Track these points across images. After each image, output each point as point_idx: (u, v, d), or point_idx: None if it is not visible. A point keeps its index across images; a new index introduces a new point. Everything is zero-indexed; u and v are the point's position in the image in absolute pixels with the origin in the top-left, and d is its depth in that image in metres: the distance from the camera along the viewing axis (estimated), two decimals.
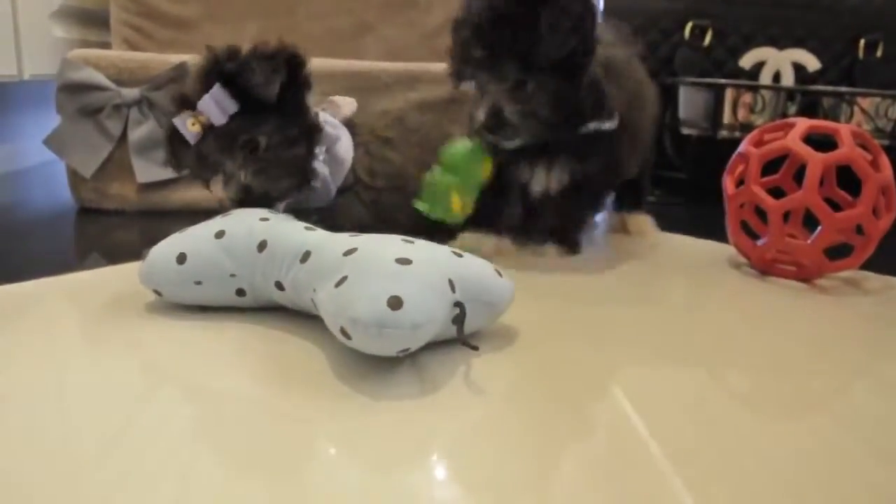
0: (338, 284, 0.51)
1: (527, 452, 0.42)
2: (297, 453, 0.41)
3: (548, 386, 0.52)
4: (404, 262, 0.52)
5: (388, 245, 0.55)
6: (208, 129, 0.70)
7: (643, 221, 1.02)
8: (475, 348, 0.54)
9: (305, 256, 0.57)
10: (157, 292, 0.62)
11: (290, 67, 0.74)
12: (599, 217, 1.04)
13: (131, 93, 1.04)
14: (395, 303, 0.48)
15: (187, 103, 0.70)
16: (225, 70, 0.70)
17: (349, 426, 0.44)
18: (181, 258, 0.60)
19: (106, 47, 1.38)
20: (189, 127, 0.67)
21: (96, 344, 0.57)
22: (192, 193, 1.06)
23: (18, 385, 0.49)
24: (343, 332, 0.50)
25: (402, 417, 0.46)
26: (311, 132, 0.78)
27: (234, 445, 0.41)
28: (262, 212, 0.65)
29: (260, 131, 0.72)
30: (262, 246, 0.60)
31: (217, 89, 0.69)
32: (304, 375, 0.51)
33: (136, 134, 1.04)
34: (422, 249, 0.55)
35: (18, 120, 1.44)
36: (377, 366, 0.53)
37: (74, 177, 1.07)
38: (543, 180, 0.81)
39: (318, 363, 0.53)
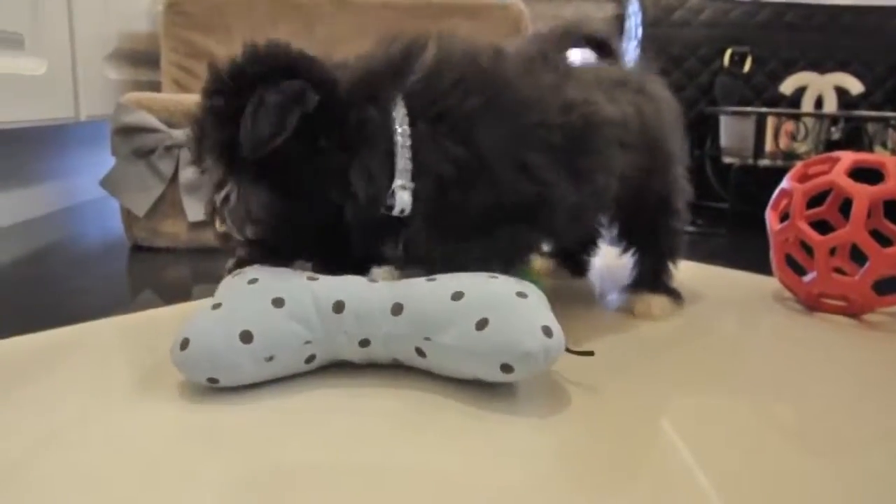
0: (480, 327, 0.54)
1: (577, 481, 0.43)
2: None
3: (595, 418, 0.53)
4: (522, 295, 0.57)
5: (493, 283, 0.58)
6: None
7: (651, 303, 0.79)
8: (591, 353, 0.60)
9: (397, 309, 0.57)
10: (211, 380, 0.55)
11: None
12: None
13: (182, 134, 1.07)
14: (548, 332, 0.54)
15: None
16: None
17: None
18: (246, 337, 0.55)
19: (156, 86, 1.44)
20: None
21: (147, 387, 0.57)
22: None
23: (67, 425, 0.50)
24: (505, 367, 0.53)
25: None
26: None
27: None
28: (286, 271, 0.62)
29: None
30: (338, 307, 0.58)
31: None
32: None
33: (187, 174, 1.08)
34: (517, 281, 0.59)
35: (74, 158, 1.50)
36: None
37: (128, 216, 1.10)
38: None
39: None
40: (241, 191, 0.61)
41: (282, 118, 0.56)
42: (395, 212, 0.62)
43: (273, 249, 0.63)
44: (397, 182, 0.61)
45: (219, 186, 0.63)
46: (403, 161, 0.60)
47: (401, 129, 0.60)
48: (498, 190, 0.62)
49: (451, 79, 0.62)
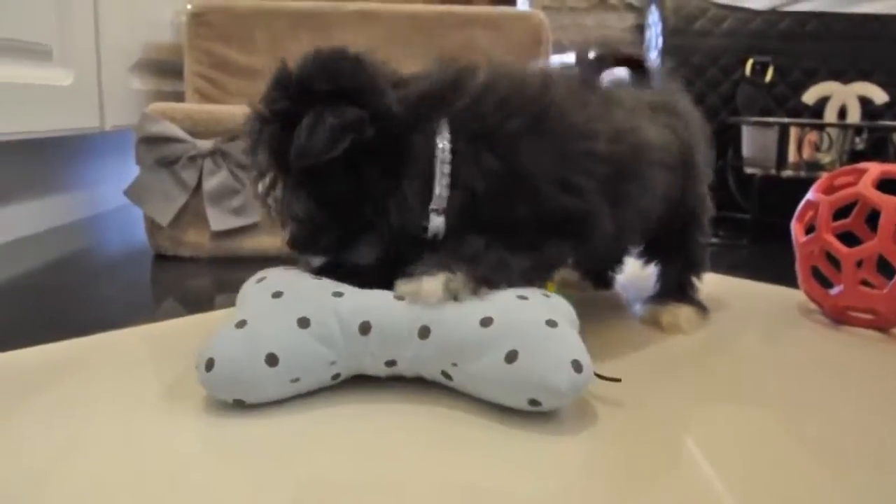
0: (510, 359, 0.54)
1: (602, 495, 0.43)
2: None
3: (620, 431, 0.52)
4: (552, 324, 0.56)
5: (523, 307, 0.57)
6: None
7: (679, 314, 0.79)
8: (618, 380, 0.58)
9: (424, 332, 0.57)
10: (238, 401, 0.55)
11: None
12: None
13: (205, 144, 1.08)
14: (578, 366, 0.53)
15: None
16: None
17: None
18: (271, 360, 0.54)
19: (180, 97, 1.45)
20: None
21: (170, 397, 0.58)
22: (264, 240, 1.10)
23: (89, 435, 0.50)
24: (532, 402, 0.53)
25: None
26: None
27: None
28: (311, 283, 0.61)
29: None
30: (364, 328, 0.57)
31: None
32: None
33: (210, 184, 1.09)
34: (546, 304, 0.58)
35: (99, 167, 1.52)
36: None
37: (151, 225, 1.12)
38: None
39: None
40: (285, 189, 0.63)
41: (334, 140, 0.57)
42: (429, 235, 0.62)
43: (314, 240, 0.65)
44: (432, 206, 0.61)
45: (262, 174, 0.64)
46: (440, 188, 0.61)
47: (441, 155, 0.61)
48: (537, 205, 0.62)
49: (496, 101, 0.62)
